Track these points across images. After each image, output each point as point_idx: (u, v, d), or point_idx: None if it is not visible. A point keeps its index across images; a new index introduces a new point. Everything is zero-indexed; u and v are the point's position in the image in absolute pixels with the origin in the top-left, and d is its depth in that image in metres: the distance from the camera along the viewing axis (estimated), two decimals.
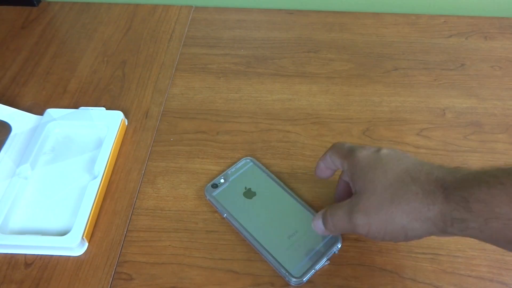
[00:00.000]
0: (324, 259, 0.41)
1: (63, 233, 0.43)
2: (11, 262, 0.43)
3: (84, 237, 0.43)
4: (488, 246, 0.42)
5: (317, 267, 0.41)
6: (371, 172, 0.34)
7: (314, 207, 0.46)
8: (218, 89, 0.59)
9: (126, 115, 0.55)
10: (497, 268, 0.41)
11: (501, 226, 0.27)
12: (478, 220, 0.28)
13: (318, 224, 0.39)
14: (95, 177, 0.47)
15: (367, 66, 0.62)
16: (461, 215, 0.28)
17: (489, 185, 0.27)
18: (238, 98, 0.58)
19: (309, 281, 0.40)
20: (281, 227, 0.43)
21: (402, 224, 0.31)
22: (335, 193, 0.44)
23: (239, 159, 0.50)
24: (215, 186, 0.47)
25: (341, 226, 0.36)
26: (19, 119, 0.53)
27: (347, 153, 0.38)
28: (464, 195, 0.28)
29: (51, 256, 0.43)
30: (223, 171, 0.49)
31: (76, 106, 0.56)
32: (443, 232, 0.30)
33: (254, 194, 0.46)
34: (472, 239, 0.43)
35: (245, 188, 0.47)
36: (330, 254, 0.42)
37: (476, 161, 0.50)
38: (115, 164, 0.50)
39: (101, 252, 0.43)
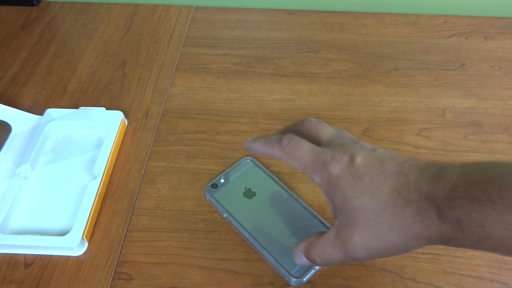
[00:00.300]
0: None
1: (63, 233, 0.43)
2: (11, 262, 0.43)
3: (84, 237, 0.43)
4: None
5: (317, 267, 0.41)
6: (356, 200, 0.31)
7: (314, 207, 0.46)
8: (218, 89, 0.59)
9: (126, 115, 0.55)
10: (497, 268, 0.41)
11: (494, 244, 0.27)
12: (472, 239, 0.27)
13: (301, 258, 0.36)
14: (95, 177, 0.47)
15: (367, 66, 0.62)
16: (456, 235, 0.28)
17: (481, 204, 0.26)
18: (238, 98, 0.58)
19: (309, 281, 0.40)
20: (281, 227, 0.43)
21: (404, 245, 0.30)
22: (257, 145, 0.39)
23: (239, 159, 0.50)
24: (215, 186, 0.47)
25: (336, 261, 0.33)
26: (19, 119, 0.53)
27: (316, 163, 0.33)
28: (458, 217, 0.27)
29: (51, 256, 0.43)
30: (223, 171, 0.49)
31: (76, 106, 0.56)
32: (442, 244, 0.30)
33: (254, 194, 0.46)
34: None
35: (245, 188, 0.47)
36: None
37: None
38: (115, 164, 0.50)
39: (101, 252, 0.43)
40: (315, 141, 0.34)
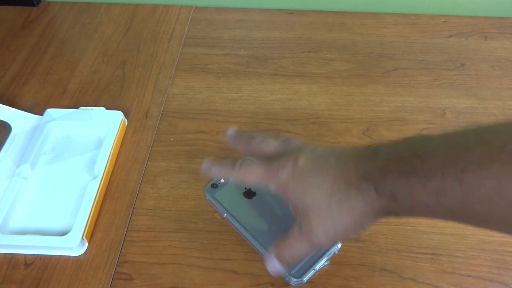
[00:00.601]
0: (324, 259, 0.41)
1: (63, 233, 0.43)
2: (11, 262, 0.43)
3: (84, 237, 0.43)
4: (488, 246, 0.42)
5: (317, 267, 0.41)
6: (306, 196, 0.34)
7: None
8: (218, 89, 0.59)
9: (126, 115, 0.55)
10: (497, 268, 0.41)
11: (422, 211, 0.30)
12: (405, 209, 0.31)
13: (274, 265, 0.37)
14: (95, 177, 0.47)
15: (367, 66, 0.62)
16: (392, 207, 0.31)
17: (407, 176, 0.29)
18: (238, 98, 0.58)
19: (309, 281, 0.40)
20: (281, 227, 0.43)
21: (357, 222, 0.33)
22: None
23: (239, 159, 0.50)
24: (215, 186, 0.47)
25: (304, 254, 0.36)
26: (19, 119, 0.53)
27: (267, 176, 0.36)
28: (391, 190, 0.30)
29: (51, 256, 0.43)
30: None
31: (76, 106, 0.56)
32: (388, 216, 0.33)
33: (254, 194, 0.46)
34: (471, 239, 0.43)
35: (245, 188, 0.47)
36: (330, 254, 0.42)
37: None
38: (115, 164, 0.50)
39: (101, 252, 0.43)
40: (265, 157, 0.38)
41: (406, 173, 0.30)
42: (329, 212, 0.33)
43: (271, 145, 0.38)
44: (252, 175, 0.37)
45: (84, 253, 0.43)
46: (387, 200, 0.31)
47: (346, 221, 0.33)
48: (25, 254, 0.43)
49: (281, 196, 0.36)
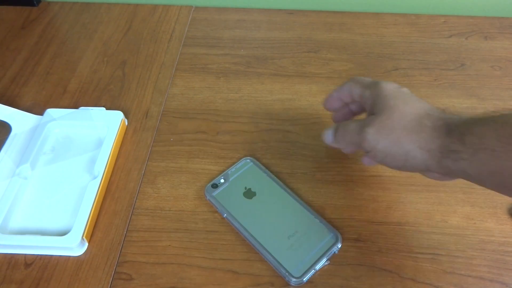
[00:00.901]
0: (324, 259, 0.41)
1: (63, 233, 0.43)
2: (11, 262, 0.43)
3: (84, 237, 0.43)
4: (488, 246, 0.42)
5: (317, 267, 0.41)
6: (392, 100, 0.37)
7: (314, 207, 0.46)
8: (218, 89, 0.59)
9: (126, 115, 0.55)
10: (497, 268, 0.41)
11: (486, 156, 0.31)
12: (468, 151, 0.32)
13: (327, 134, 0.42)
14: (95, 177, 0.47)
15: (367, 66, 0.62)
16: (456, 147, 0.32)
17: (483, 122, 0.32)
18: (238, 98, 0.58)
19: (309, 281, 0.40)
20: (281, 227, 0.43)
21: (406, 150, 0.35)
22: (325, 100, 0.45)
23: (239, 159, 0.50)
24: (215, 186, 0.47)
25: (350, 137, 0.39)
26: (19, 119, 0.53)
27: (370, 83, 0.41)
28: (462, 130, 0.33)
29: (51, 256, 0.43)
30: (223, 171, 0.49)
31: (76, 106, 0.56)
32: (439, 163, 0.34)
33: (254, 194, 0.46)
34: (471, 239, 0.43)
35: (245, 188, 0.47)
36: (330, 254, 0.42)
37: None
38: (115, 164, 0.50)
39: (101, 252, 0.43)
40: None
41: (482, 120, 0.32)
42: (396, 122, 0.36)
43: (387, 83, 0.40)
44: (354, 95, 0.41)
45: (84, 253, 0.43)
46: (453, 141, 0.33)
47: (401, 139, 0.35)
48: (25, 254, 0.43)
49: (371, 100, 0.39)
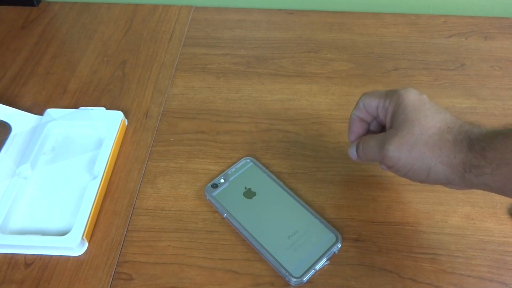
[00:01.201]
0: (324, 259, 0.41)
1: (63, 233, 0.43)
2: (11, 262, 0.43)
3: (84, 237, 0.43)
4: (488, 246, 0.42)
5: (317, 267, 0.41)
6: (413, 113, 0.37)
7: (314, 207, 0.46)
8: (218, 89, 0.59)
9: (126, 115, 0.55)
10: (497, 268, 0.41)
11: (509, 170, 0.31)
12: (491, 166, 0.32)
13: (352, 151, 0.42)
14: (95, 177, 0.47)
15: (367, 66, 0.62)
16: (478, 162, 0.32)
17: (505, 136, 0.32)
18: (238, 98, 0.58)
19: (309, 281, 0.40)
20: (281, 227, 0.43)
21: (429, 165, 0.35)
22: (349, 134, 0.44)
23: (239, 159, 0.50)
24: (215, 186, 0.47)
25: (371, 154, 0.39)
26: (19, 119, 0.53)
27: (387, 92, 0.40)
28: (483, 145, 0.32)
29: (51, 256, 0.43)
30: (223, 171, 0.49)
31: (76, 106, 0.56)
32: (462, 178, 0.34)
33: (254, 194, 0.46)
34: (471, 239, 0.43)
35: (245, 188, 0.47)
36: (330, 254, 0.42)
37: None
38: (115, 164, 0.50)
39: (101, 252, 0.43)
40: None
41: (504, 133, 0.32)
42: (417, 137, 0.35)
43: (407, 91, 0.39)
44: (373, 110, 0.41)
45: (84, 253, 0.43)
46: (474, 156, 0.33)
47: (423, 154, 0.35)
48: (25, 254, 0.43)
49: (390, 108, 0.39)
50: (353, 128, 0.43)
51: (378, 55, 0.63)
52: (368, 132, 0.44)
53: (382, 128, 0.42)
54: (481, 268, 0.41)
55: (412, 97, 0.38)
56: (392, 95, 0.39)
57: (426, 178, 0.36)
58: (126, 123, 0.54)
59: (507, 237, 0.43)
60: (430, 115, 0.36)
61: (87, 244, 0.44)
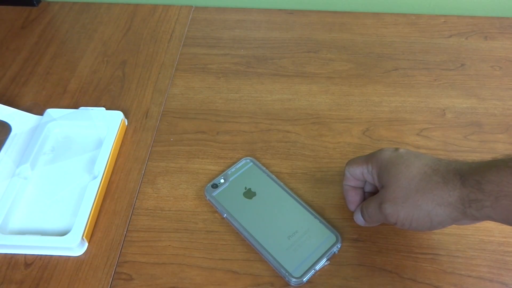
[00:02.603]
0: (324, 259, 0.41)
1: (63, 233, 0.43)
2: (11, 262, 0.43)
3: (84, 237, 0.43)
4: (488, 246, 0.42)
5: (317, 267, 0.41)
6: (394, 168, 0.38)
7: (314, 207, 0.46)
8: (218, 89, 0.59)
9: (126, 115, 0.55)
10: (497, 268, 0.41)
11: (509, 202, 0.31)
12: (490, 199, 0.32)
13: (358, 217, 0.42)
14: (95, 177, 0.47)
15: (367, 66, 0.62)
16: (476, 196, 0.32)
17: (498, 168, 0.32)
18: (238, 98, 0.58)
19: (309, 281, 0.40)
20: (281, 227, 0.43)
21: (427, 211, 0.35)
22: (348, 204, 0.45)
23: (239, 159, 0.50)
24: (215, 186, 0.47)
25: (375, 216, 0.40)
26: (19, 119, 0.53)
27: (367, 158, 0.41)
28: (477, 179, 0.32)
29: (51, 256, 0.43)
30: (223, 171, 0.49)
31: (76, 106, 0.56)
32: (464, 214, 0.34)
33: (254, 194, 0.46)
34: (471, 239, 0.43)
35: (245, 188, 0.47)
36: (330, 254, 0.42)
37: None
38: (115, 164, 0.50)
39: (101, 252, 0.43)
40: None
41: (496, 166, 0.32)
42: (406, 188, 0.36)
43: (382, 152, 0.41)
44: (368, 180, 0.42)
45: (84, 253, 0.43)
46: (470, 190, 0.33)
47: (417, 202, 0.35)
48: (25, 254, 0.43)
49: (374, 171, 0.40)
50: (349, 198, 0.44)
51: (378, 55, 0.63)
52: (365, 195, 0.44)
53: (376, 188, 0.43)
54: (481, 268, 0.41)
55: (388, 155, 0.39)
56: (371, 159, 0.41)
57: (431, 224, 0.36)
58: (126, 123, 0.54)
59: (507, 237, 0.43)
60: (411, 164, 0.37)
61: (87, 244, 0.44)
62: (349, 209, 0.45)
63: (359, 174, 0.42)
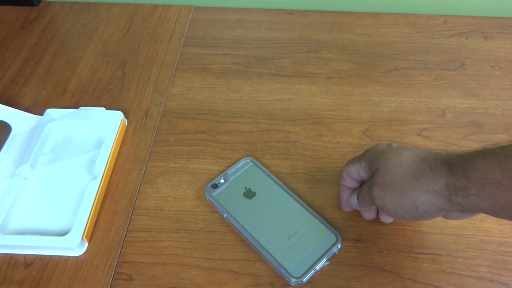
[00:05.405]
0: (324, 259, 0.41)
1: (63, 233, 0.43)
2: (11, 262, 0.43)
3: (84, 237, 0.43)
4: (488, 246, 0.42)
5: (317, 267, 0.41)
6: (384, 155, 0.39)
7: (314, 207, 0.46)
8: (218, 89, 0.59)
9: (126, 115, 0.55)
10: (497, 268, 0.41)
11: (494, 190, 0.31)
12: (476, 186, 0.32)
13: (353, 200, 0.43)
14: (95, 177, 0.47)
15: (367, 66, 0.62)
16: (462, 183, 0.33)
17: (485, 156, 0.32)
18: (238, 98, 0.58)
19: (309, 281, 0.40)
20: (281, 227, 0.43)
21: (413, 198, 0.35)
22: (341, 204, 0.45)
23: (239, 159, 0.50)
24: (215, 186, 0.47)
25: (367, 199, 0.40)
26: (19, 119, 0.53)
27: (361, 155, 0.42)
28: (464, 166, 0.33)
29: (51, 256, 0.43)
30: (223, 171, 0.49)
31: (76, 106, 0.56)
32: (450, 202, 0.34)
33: (254, 194, 0.46)
34: (471, 239, 0.43)
35: (245, 188, 0.47)
36: (330, 254, 0.42)
37: None
38: (115, 164, 0.50)
39: (101, 252, 0.43)
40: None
41: (483, 154, 0.32)
42: (394, 174, 0.37)
43: (375, 146, 0.42)
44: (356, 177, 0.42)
45: (84, 253, 0.43)
46: (457, 178, 0.33)
47: (404, 188, 0.36)
48: (25, 254, 0.43)
49: (367, 163, 0.40)
50: (343, 197, 0.44)
51: (378, 55, 0.63)
52: None
53: None
54: (481, 268, 0.41)
55: (380, 147, 0.41)
56: (363, 154, 0.42)
57: (417, 212, 0.36)
58: (126, 123, 0.54)
59: (507, 237, 0.43)
60: (401, 153, 0.38)
61: (87, 244, 0.44)
62: (342, 209, 0.45)
63: (354, 172, 0.42)
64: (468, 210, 0.35)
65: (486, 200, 0.32)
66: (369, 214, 0.44)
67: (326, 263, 0.41)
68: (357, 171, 0.42)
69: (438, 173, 0.34)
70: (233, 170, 0.48)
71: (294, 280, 0.40)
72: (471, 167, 0.32)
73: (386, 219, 0.44)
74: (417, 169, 0.36)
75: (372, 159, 0.40)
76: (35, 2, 0.72)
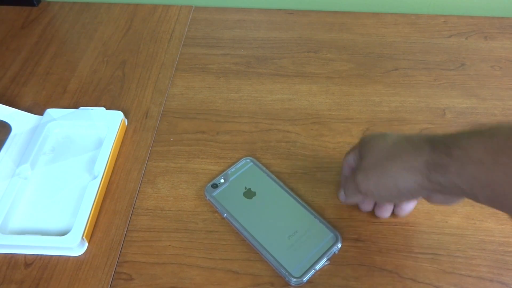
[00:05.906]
0: (324, 259, 0.41)
1: (63, 233, 0.43)
2: (11, 262, 0.43)
3: (84, 237, 0.43)
4: (488, 246, 0.42)
5: (317, 267, 0.41)
6: (373, 141, 0.39)
7: (314, 207, 0.46)
8: (218, 89, 0.59)
9: (126, 115, 0.55)
10: (497, 268, 0.41)
11: (475, 169, 0.30)
12: (456, 164, 0.31)
13: (340, 193, 0.44)
14: (95, 177, 0.47)
15: (367, 66, 0.62)
16: (442, 161, 0.32)
17: (469, 135, 0.32)
18: (238, 98, 0.58)
19: (309, 281, 0.40)
20: (281, 227, 0.43)
21: (394, 177, 0.35)
22: (338, 192, 0.45)
23: (239, 159, 0.50)
24: (215, 186, 0.47)
25: (352, 187, 0.40)
26: (19, 119, 0.53)
27: (357, 144, 0.42)
28: (447, 144, 0.32)
29: (51, 256, 0.43)
30: (223, 171, 0.49)
31: (76, 106, 0.56)
32: (429, 180, 0.33)
33: (254, 194, 0.46)
34: (471, 239, 0.43)
35: (245, 188, 0.47)
36: (330, 254, 0.42)
37: None
38: (115, 164, 0.50)
39: (101, 252, 0.43)
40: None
41: (469, 133, 0.32)
42: (378, 156, 0.37)
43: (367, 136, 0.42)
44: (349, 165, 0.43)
45: (84, 253, 0.43)
46: (439, 155, 0.32)
47: (387, 171, 0.36)
48: (25, 254, 0.43)
49: (359, 149, 0.41)
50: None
51: (378, 55, 0.63)
52: None
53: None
54: (481, 268, 0.41)
55: (373, 134, 0.41)
56: (358, 142, 0.42)
57: (398, 191, 0.36)
58: (126, 123, 0.54)
59: (507, 237, 0.43)
60: (388, 137, 0.38)
61: (87, 244, 0.44)
62: (340, 199, 0.45)
63: (351, 161, 0.42)
64: (448, 191, 0.34)
65: (465, 179, 0.31)
66: (366, 205, 0.44)
67: (326, 263, 0.41)
68: (353, 160, 0.42)
69: (420, 151, 0.34)
70: (233, 170, 0.48)
71: (294, 280, 0.40)
72: (454, 144, 0.32)
73: (381, 212, 0.44)
74: (400, 148, 0.36)
75: (362, 145, 0.40)
76: (35, 2, 0.72)
